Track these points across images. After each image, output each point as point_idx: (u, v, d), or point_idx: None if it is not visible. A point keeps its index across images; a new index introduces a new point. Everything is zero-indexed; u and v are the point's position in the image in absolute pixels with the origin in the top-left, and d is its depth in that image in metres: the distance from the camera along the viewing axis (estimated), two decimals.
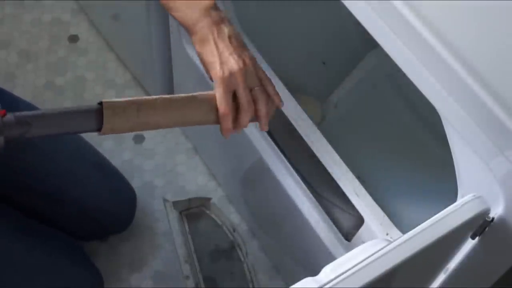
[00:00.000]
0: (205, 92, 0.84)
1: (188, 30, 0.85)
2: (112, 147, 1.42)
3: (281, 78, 0.99)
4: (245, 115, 0.83)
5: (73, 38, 1.59)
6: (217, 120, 0.85)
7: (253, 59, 0.83)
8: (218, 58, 0.82)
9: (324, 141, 0.94)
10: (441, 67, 0.62)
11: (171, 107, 0.82)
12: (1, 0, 1.63)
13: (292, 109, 0.96)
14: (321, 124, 1.27)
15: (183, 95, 0.84)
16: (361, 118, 1.32)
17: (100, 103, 0.77)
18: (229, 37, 0.83)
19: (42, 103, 1.46)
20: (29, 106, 1.13)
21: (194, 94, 0.84)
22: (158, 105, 0.81)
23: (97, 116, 0.76)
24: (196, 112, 0.84)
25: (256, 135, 1.06)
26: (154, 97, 0.82)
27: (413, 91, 0.70)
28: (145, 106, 0.80)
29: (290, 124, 0.96)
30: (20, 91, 1.47)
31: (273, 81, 0.98)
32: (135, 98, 0.80)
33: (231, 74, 0.80)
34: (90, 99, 1.50)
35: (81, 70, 1.55)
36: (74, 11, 1.63)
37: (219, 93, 0.81)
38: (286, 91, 0.98)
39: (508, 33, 0.61)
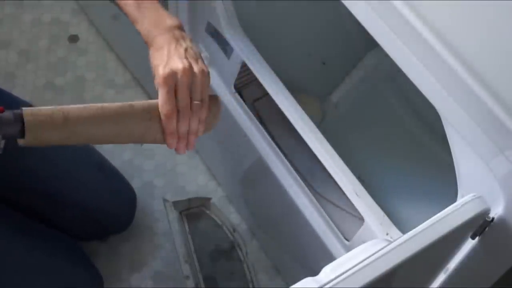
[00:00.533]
0: (146, 101, 0.80)
1: (148, 43, 0.84)
2: (112, 147, 1.42)
3: (281, 78, 0.99)
4: (183, 120, 0.78)
5: (73, 38, 1.59)
6: (160, 132, 0.79)
7: (204, 72, 0.80)
8: (166, 60, 0.79)
9: (324, 141, 0.94)
10: (441, 67, 0.62)
11: (104, 115, 0.76)
12: (1, 0, 1.63)
13: (292, 109, 0.96)
14: (321, 124, 1.27)
15: (119, 103, 0.78)
16: (361, 118, 1.32)
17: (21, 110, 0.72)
18: (185, 49, 0.81)
19: (42, 103, 1.46)
20: (29, 107, 1.13)
21: (132, 102, 0.79)
22: (89, 112, 0.75)
23: (17, 124, 0.72)
24: (135, 122, 0.78)
25: (256, 135, 1.06)
26: (85, 104, 0.77)
27: (413, 91, 0.70)
28: (73, 114, 0.74)
29: (290, 124, 0.96)
30: (20, 91, 1.47)
31: (273, 81, 0.99)
32: (64, 106, 0.75)
33: (174, 72, 0.77)
34: (90, 99, 1.50)
35: (81, 70, 1.55)
36: (74, 11, 1.63)
37: (161, 94, 0.77)
38: (286, 91, 0.98)
39: (508, 33, 0.61)
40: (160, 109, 0.78)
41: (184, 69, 0.78)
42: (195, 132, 0.81)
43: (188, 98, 0.78)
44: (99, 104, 0.77)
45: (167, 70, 0.78)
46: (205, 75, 0.80)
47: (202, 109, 0.80)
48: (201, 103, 0.80)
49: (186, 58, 0.79)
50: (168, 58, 0.79)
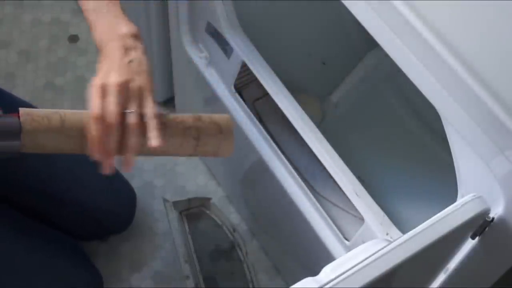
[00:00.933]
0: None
1: (100, 50, 0.81)
2: None
3: (281, 78, 0.99)
4: (109, 135, 0.75)
5: (73, 38, 1.59)
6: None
7: (142, 88, 0.77)
8: (104, 71, 0.77)
9: (324, 141, 0.94)
10: (441, 67, 0.62)
11: None
12: (1, 0, 1.63)
13: (292, 109, 0.96)
14: (321, 124, 1.27)
15: None
16: (361, 118, 1.32)
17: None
18: (130, 61, 0.78)
19: (42, 103, 1.46)
20: (29, 107, 1.13)
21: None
22: (86, 117, 0.75)
23: (14, 125, 0.71)
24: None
25: (256, 135, 1.06)
26: (81, 111, 0.76)
27: (413, 91, 0.70)
28: (70, 117, 0.74)
29: (290, 124, 0.96)
30: (20, 91, 1.47)
31: (273, 81, 0.99)
32: (61, 109, 0.75)
33: (107, 83, 0.75)
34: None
35: (81, 70, 1.55)
36: (74, 11, 1.63)
37: (91, 102, 0.75)
38: (286, 91, 0.98)
39: (508, 33, 0.61)
40: (90, 112, 0.75)
41: (116, 83, 0.75)
42: (133, 149, 0.77)
43: (115, 112, 0.74)
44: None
45: (99, 82, 0.76)
46: (144, 90, 0.77)
47: (150, 121, 0.76)
48: (137, 119, 0.76)
49: (128, 72, 0.77)
50: (108, 69, 0.77)
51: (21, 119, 0.72)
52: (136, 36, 0.81)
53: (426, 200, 1.07)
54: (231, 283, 1.24)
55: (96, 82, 0.76)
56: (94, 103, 0.75)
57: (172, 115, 0.81)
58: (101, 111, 0.74)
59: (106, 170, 0.79)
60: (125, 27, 0.81)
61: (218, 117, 0.84)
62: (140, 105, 0.77)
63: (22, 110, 0.72)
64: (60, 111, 0.75)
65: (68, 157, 1.14)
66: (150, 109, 0.77)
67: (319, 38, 1.30)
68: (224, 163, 1.33)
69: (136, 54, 0.79)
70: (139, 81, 0.77)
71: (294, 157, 1.03)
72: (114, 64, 0.77)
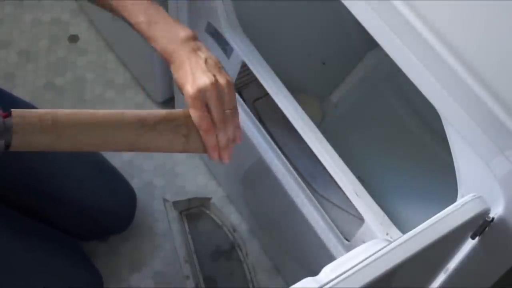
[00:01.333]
0: (137, 110, 0.79)
1: (167, 60, 0.84)
2: None
3: (281, 78, 0.99)
4: (223, 132, 0.81)
5: (73, 38, 1.59)
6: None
7: (229, 82, 0.81)
8: (191, 78, 0.79)
9: (324, 141, 0.94)
10: (441, 67, 0.62)
11: (94, 121, 0.75)
12: (1, 0, 1.63)
13: (292, 109, 0.96)
14: (321, 124, 1.27)
15: (112, 110, 0.77)
16: (361, 118, 1.32)
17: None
18: (205, 60, 0.80)
19: (42, 103, 1.46)
20: (29, 107, 1.13)
21: (124, 110, 0.78)
22: (78, 117, 0.75)
23: (5, 125, 0.71)
24: (124, 130, 0.77)
25: (256, 135, 1.06)
26: (75, 110, 0.75)
27: (413, 91, 0.70)
28: (63, 118, 0.73)
29: (290, 124, 0.96)
30: (20, 91, 1.48)
31: (273, 81, 0.99)
32: (53, 109, 0.74)
33: (202, 89, 0.78)
34: (90, 99, 1.50)
35: (81, 70, 1.55)
36: (74, 11, 1.63)
37: (194, 112, 0.79)
38: (286, 91, 0.98)
39: (508, 33, 0.61)
40: (198, 127, 0.79)
41: (211, 84, 0.78)
42: (232, 139, 0.83)
43: (221, 111, 0.79)
44: (91, 110, 0.77)
45: (195, 89, 0.78)
46: (231, 84, 0.80)
47: (235, 116, 0.82)
48: (232, 111, 0.81)
49: (209, 70, 0.80)
50: (193, 75, 0.79)
51: (13, 119, 0.72)
52: (195, 37, 0.83)
53: (426, 200, 1.07)
54: (231, 283, 1.25)
55: (190, 91, 0.78)
56: (199, 116, 0.78)
57: (163, 112, 0.81)
58: (209, 121, 0.79)
59: (227, 159, 0.84)
60: (182, 32, 0.82)
61: None
62: (231, 98, 0.81)
63: (14, 111, 0.72)
64: (52, 111, 0.75)
65: (67, 156, 1.15)
66: (235, 103, 0.82)
67: (319, 38, 1.30)
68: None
69: (205, 53, 0.82)
70: (222, 75, 0.80)
71: (294, 157, 1.03)
72: (195, 68, 0.80)
